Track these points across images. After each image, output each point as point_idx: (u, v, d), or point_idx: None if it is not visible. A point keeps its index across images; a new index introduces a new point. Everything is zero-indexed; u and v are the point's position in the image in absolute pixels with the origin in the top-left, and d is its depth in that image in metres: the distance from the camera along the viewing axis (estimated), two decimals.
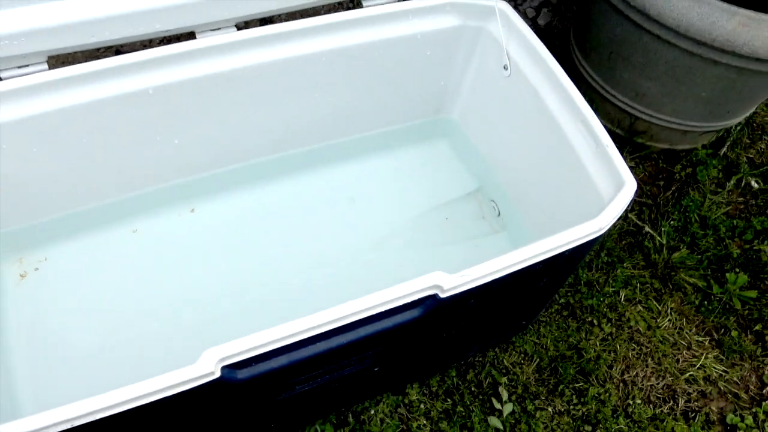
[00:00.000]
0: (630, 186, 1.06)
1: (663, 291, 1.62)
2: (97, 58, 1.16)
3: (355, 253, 1.43)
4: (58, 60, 1.58)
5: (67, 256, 1.35)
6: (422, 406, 1.39)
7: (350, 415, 1.35)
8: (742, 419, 1.46)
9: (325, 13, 1.26)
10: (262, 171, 1.47)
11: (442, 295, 0.94)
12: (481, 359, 1.46)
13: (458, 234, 1.50)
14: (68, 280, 1.34)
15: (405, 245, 1.46)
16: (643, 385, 1.48)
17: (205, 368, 0.83)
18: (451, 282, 0.93)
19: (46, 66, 1.07)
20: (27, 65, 1.06)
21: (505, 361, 1.46)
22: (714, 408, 1.48)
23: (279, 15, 1.77)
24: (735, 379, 1.52)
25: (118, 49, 1.80)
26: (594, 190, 1.14)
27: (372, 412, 1.36)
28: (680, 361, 1.52)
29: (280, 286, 1.38)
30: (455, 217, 1.52)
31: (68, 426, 0.79)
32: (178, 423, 0.98)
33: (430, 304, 0.95)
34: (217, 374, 0.85)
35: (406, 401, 1.38)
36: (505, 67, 1.31)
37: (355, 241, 1.45)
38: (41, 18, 1.01)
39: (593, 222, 1.01)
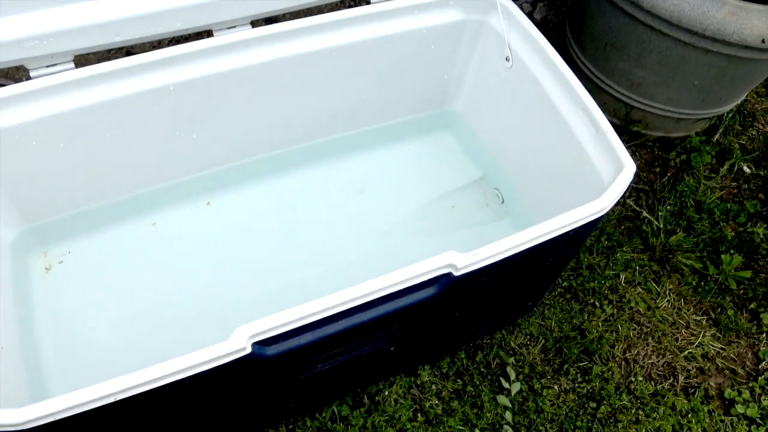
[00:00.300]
0: (629, 168, 1.12)
1: (661, 273, 1.68)
2: (109, 59, 1.21)
3: (366, 242, 1.49)
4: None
5: (89, 249, 1.40)
6: (434, 386, 1.44)
7: (365, 397, 1.41)
8: (740, 393, 1.52)
9: (329, 11, 1.31)
10: (274, 164, 1.52)
11: (456, 274, 0.99)
12: (488, 341, 1.51)
13: (464, 221, 1.56)
14: (91, 272, 1.39)
15: (413, 233, 1.52)
16: (644, 363, 1.54)
17: (237, 344, 0.88)
18: (465, 260, 0.99)
19: (72, 65, 1.12)
20: (55, 64, 1.11)
21: (511, 342, 1.52)
22: (712, 383, 1.54)
23: (283, 15, 1.82)
24: (732, 355, 1.58)
25: (128, 50, 1.85)
26: (595, 173, 1.19)
27: (386, 393, 1.42)
28: (679, 339, 1.59)
29: (296, 275, 1.43)
30: (461, 205, 1.58)
31: (112, 399, 0.85)
32: (207, 402, 1.04)
33: (444, 282, 1.01)
34: (248, 350, 0.90)
35: (419, 382, 1.44)
36: (507, 59, 1.36)
37: (366, 229, 1.51)
38: (69, 18, 1.06)
39: (596, 203, 1.06)
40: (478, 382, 1.46)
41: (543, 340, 1.53)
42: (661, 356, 1.56)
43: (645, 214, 1.76)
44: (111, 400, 0.85)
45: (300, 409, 1.32)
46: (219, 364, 0.89)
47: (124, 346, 1.32)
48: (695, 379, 1.54)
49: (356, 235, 1.50)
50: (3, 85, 1.73)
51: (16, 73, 1.82)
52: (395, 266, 0.97)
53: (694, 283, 1.67)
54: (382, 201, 1.56)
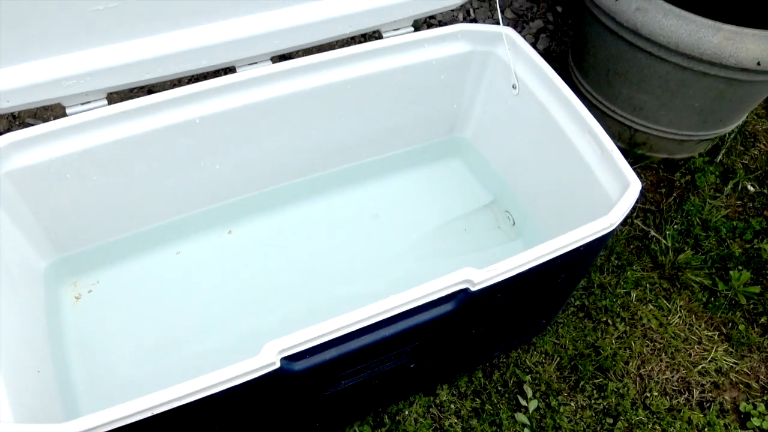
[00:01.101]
0: (635, 185, 1.17)
1: (671, 290, 1.72)
2: (131, 97, 1.29)
3: (382, 266, 1.54)
4: None
5: (117, 279, 1.46)
6: (452, 405, 1.47)
7: (386, 416, 1.44)
8: (755, 407, 1.54)
9: (340, 47, 1.38)
10: (293, 192, 1.58)
11: (473, 289, 1.04)
12: (505, 360, 1.55)
13: (476, 243, 1.60)
14: (119, 300, 1.44)
15: (427, 255, 1.57)
16: (658, 378, 1.57)
17: (267, 359, 0.92)
18: (481, 276, 1.03)
19: (105, 101, 1.20)
20: (89, 101, 1.18)
21: (527, 361, 1.55)
22: (727, 398, 1.56)
23: (296, 51, 1.91)
24: (745, 369, 1.61)
25: (149, 89, 1.94)
26: (603, 192, 1.25)
27: (406, 412, 1.45)
28: (692, 355, 1.61)
29: (315, 299, 1.48)
30: (473, 228, 1.63)
31: (149, 414, 0.89)
32: (235, 419, 1.07)
33: (462, 297, 1.06)
34: (277, 365, 0.94)
35: (437, 401, 1.47)
36: (514, 87, 1.43)
37: (381, 253, 1.56)
38: (105, 58, 1.14)
39: (605, 218, 1.11)
40: (496, 401, 1.49)
41: (558, 358, 1.56)
42: (675, 372, 1.58)
43: (653, 233, 1.81)
44: (148, 414, 0.89)
45: (323, 428, 1.35)
46: (249, 379, 0.93)
47: (150, 372, 1.36)
48: (710, 394, 1.56)
49: (373, 260, 1.55)
50: (32, 125, 1.82)
51: (44, 114, 1.90)
52: (411, 287, 1.01)
53: (704, 299, 1.70)
54: (396, 226, 1.62)
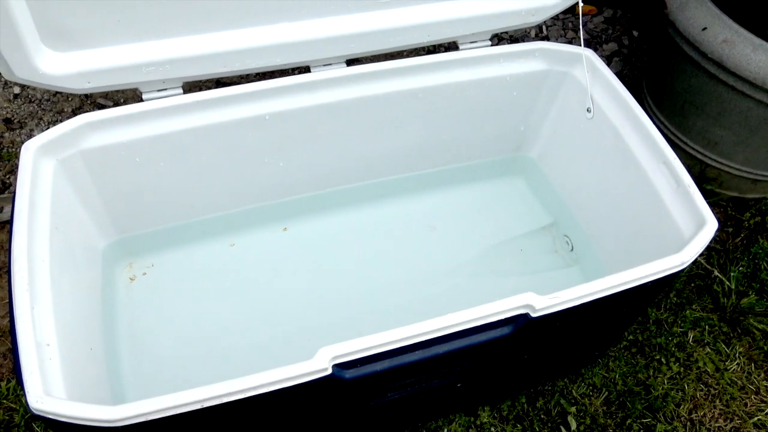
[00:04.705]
0: (711, 224, 1.12)
1: (731, 335, 1.64)
2: (200, 88, 1.30)
3: (434, 278, 1.51)
4: None
5: (171, 264, 1.48)
6: (493, 429, 1.44)
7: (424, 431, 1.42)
8: None
9: (415, 55, 1.37)
10: (350, 196, 1.57)
11: (533, 315, 1.01)
12: (550, 388, 1.50)
13: (532, 266, 1.57)
14: (171, 286, 1.45)
15: (480, 273, 1.54)
16: (710, 425, 1.50)
17: (320, 363, 0.91)
18: (543, 303, 1.00)
19: (181, 90, 1.21)
20: (165, 89, 1.20)
21: (574, 391, 1.50)
22: None
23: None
24: None
25: (218, 81, 1.96)
26: (675, 227, 1.20)
27: (445, 430, 1.42)
28: (748, 405, 1.54)
29: (364, 305, 1.46)
30: (529, 249, 1.59)
31: (199, 406, 0.89)
32: (279, 421, 1.07)
33: (520, 322, 1.02)
34: (329, 371, 0.93)
35: (478, 422, 1.44)
36: (588, 110, 1.39)
37: (434, 266, 1.53)
38: (184, 48, 1.15)
39: (676, 256, 1.07)
40: (537, 429, 1.44)
41: (606, 392, 1.51)
42: (728, 420, 1.51)
43: (716, 273, 1.73)
44: (197, 407, 0.89)
45: None
46: (300, 382, 0.92)
47: (193, 358, 1.37)
48: None
49: (424, 271, 1.52)
50: (104, 106, 1.86)
51: (115, 95, 1.94)
52: (461, 304, 0.99)
53: (766, 348, 1.62)
54: (451, 240, 1.59)
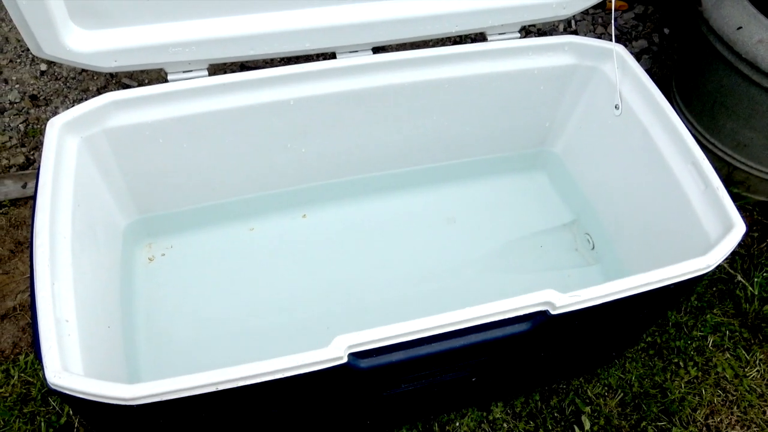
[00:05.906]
0: (739, 228, 1.10)
1: (753, 341, 1.61)
2: (224, 72, 1.29)
3: (452, 270, 1.50)
4: None
5: (190, 246, 1.48)
6: (505, 425, 1.43)
7: (436, 425, 1.41)
8: None
9: (441, 45, 1.35)
10: (371, 185, 1.56)
11: (553, 312, 1.00)
12: (564, 386, 1.49)
13: (551, 263, 1.55)
14: (189, 267, 1.46)
15: (499, 268, 1.52)
16: None
17: (335, 352, 0.91)
18: (563, 300, 0.99)
19: (206, 72, 1.21)
20: (191, 71, 1.19)
21: (588, 391, 1.49)
22: None
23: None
24: None
25: (242, 65, 1.96)
26: (701, 230, 1.17)
27: (457, 424, 1.42)
28: (767, 413, 1.51)
29: (380, 294, 1.46)
30: (549, 246, 1.57)
31: (214, 389, 0.89)
32: (292, 407, 1.07)
33: (539, 319, 1.01)
34: (345, 359, 0.93)
35: (491, 418, 1.43)
36: (617, 107, 1.37)
37: (452, 259, 1.52)
38: (212, 30, 1.15)
39: (702, 259, 1.05)
40: (550, 427, 1.43)
41: (621, 394, 1.49)
42: (745, 428, 1.49)
43: (740, 278, 1.70)
44: (213, 389, 0.89)
45: (373, 428, 1.33)
46: (315, 369, 0.92)
47: (208, 339, 1.38)
48: None
49: (443, 263, 1.51)
50: (129, 86, 1.87)
51: (139, 75, 1.95)
52: (479, 297, 0.98)
53: None
54: (470, 233, 1.58)
